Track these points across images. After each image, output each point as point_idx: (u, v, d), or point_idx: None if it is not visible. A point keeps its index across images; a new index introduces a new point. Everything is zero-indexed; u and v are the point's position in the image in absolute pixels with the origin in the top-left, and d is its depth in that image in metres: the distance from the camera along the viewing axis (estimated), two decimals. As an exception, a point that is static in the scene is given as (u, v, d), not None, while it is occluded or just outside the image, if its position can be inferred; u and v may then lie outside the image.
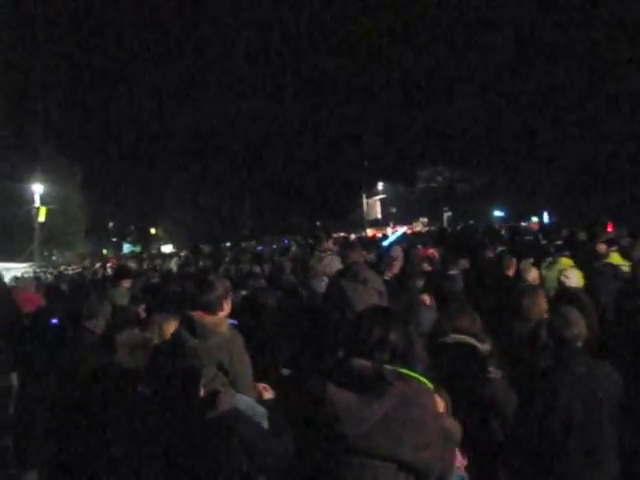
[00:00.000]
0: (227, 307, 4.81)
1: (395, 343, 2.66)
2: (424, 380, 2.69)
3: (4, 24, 52.89)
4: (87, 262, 33.76)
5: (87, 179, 54.09)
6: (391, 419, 2.49)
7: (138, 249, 61.00)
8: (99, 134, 63.75)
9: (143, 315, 7.84)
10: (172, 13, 77.90)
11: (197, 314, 4.64)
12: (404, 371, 2.64)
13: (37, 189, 42.66)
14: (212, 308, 4.67)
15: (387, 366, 2.61)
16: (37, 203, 42.17)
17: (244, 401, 4.01)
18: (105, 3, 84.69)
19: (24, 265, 33.07)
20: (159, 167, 66.43)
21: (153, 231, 72.70)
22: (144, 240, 69.33)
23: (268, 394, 4.66)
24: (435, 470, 2.60)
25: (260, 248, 28.04)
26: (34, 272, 26.78)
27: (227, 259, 21.95)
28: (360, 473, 2.50)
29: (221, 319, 4.71)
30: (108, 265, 26.85)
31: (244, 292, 8.50)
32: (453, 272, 9.38)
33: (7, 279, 22.30)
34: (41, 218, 42.07)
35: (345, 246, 9.16)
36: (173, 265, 24.25)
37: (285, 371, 5.90)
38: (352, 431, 2.48)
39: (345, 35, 71.95)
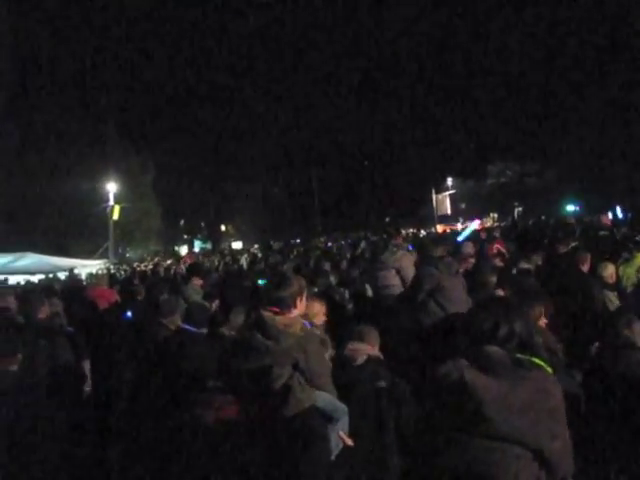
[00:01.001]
0: (301, 305, 4.72)
1: (520, 333, 2.71)
2: (549, 369, 2.77)
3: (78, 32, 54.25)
4: (160, 259, 34.31)
5: (159, 178, 54.95)
6: (530, 406, 2.52)
7: (209, 246, 61.79)
8: (172, 133, 64.69)
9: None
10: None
11: (269, 314, 4.59)
12: (534, 360, 2.75)
13: (111, 188, 43.56)
14: (285, 305, 4.61)
15: (519, 355, 2.69)
16: (111, 201, 43.04)
17: (323, 398, 3.98)
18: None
19: (99, 262, 33.79)
20: (230, 165, 67.03)
21: (223, 228, 73.47)
22: (215, 237, 70.15)
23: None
24: (563, 464, 2.61)
25: (330, 245, 28.05)
26: (108, 269, 27.34)
27: (292, 256, 22.11)
28: (499, 458, 2.53)
29: (294, 319, 4.65)
30: (182, 262, 27.22)
31: (315, 289, 8.49)
32: (526, 267, 9.22)
33: (83, 276, 22.92)
34: (115, 216, 42.89)
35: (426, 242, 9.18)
36: (243, 262, 24.47)
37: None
38: (498, 416, 2.51)
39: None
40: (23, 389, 4.46)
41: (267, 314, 4.60)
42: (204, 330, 6.67)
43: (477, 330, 2.73)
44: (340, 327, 6.76)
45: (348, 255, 17.67)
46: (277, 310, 4.62)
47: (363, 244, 22.56)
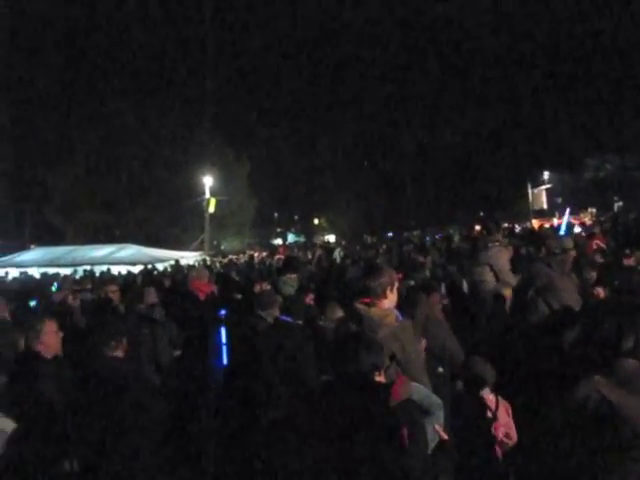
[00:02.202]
0: (392, 296, 4.71)
1: None
2: None
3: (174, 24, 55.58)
4: (254, 252, 34.77)
5: (254, 171, 55.62)
6: None
7: (302, 239, 62.22)
8: (266, 126, 65.37)
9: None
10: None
11: (363, 307, 4.60)
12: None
13: (207, 181, 44.36)
14: (375, 295, 4.61)
15: None
16: (207, 195, 43.83)
17: (419, 391, 3.94)
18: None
19: (195, 254, 34.53)
20: (323, 158, 67.28)
21: (317, 221, 73.84)
22: (308, 230, 70.59)
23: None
24: None
25: (427, 239, 27.83)
26: (204, 261, 27.92)
27: (381, 250, 22.02)
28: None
29: (388, 310, 4.64)
30: (277, 255, 27.51)
31: (412, 282, 8.47)
32: (629, 264, 8.95)
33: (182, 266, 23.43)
34: (211, 209, 43.65)
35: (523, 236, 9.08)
36: (337, 255, 24.54)
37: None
38: None
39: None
40: (128, 376, 4.59)
41: (361, 307, 4.61)
42: (300, 322, 6.75)
43: (602, 339, 2.65)
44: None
45: (442, 249, 17.55)
46: (368, 301, 4.62)
47: (457, 239, 22.35)
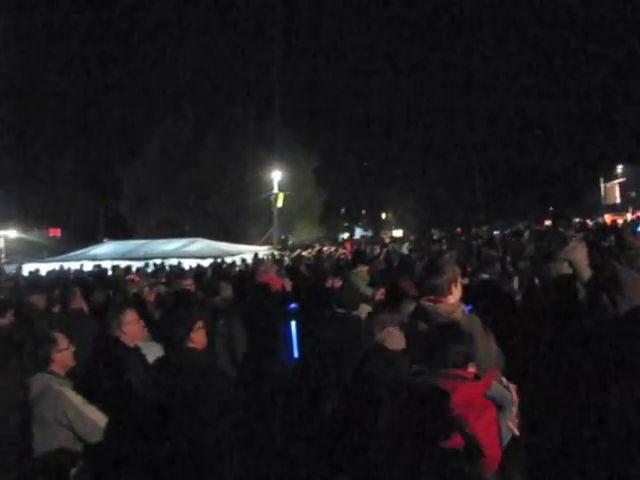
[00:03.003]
0: (457, 291, 4.72)
1: None
2: None
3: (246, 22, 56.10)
4: (322, 246, 34.85)
5: (322, 166, 55.78)
6: None
7: (370, 233, 62.17)
8: (333, 122, 65.50)
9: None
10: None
11: (430, 303, 4.61)
12: None
13: (275, 176, 44.67)
14: (441, 292, 4.62)
15: None
16: (275, 189, 44.14)
17: (493, 386, 3.92)
18: None
19: (263, 248, 34.79)
20: (389, 152, 67.11)
21: (384, 216, 73.68)
22: (375, 225, 70.49)
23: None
24: None
25: (496, 233, 27.53)
26: (272, 255, 28.14)
27: (432, 246, 21.86)
28: None
29: (455, 305, 4.65)
30: (344, 250, 27.55)
31: (485, 275, 8.38)
32: None
33: (249, 261, 23.69)
34: (279, 203, 43.99)
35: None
36: (404, 250, 24.45)
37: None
38: None
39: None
40: (206, 367, 4.68)
41: (427, 303, 4.62)
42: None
43: None
44: (507, 317, 6.64)
45: (512, 244, 17.32)
46: (433, 298, 4.63)
47: (527, 234, 22.04)
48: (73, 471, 2.71)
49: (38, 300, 9.03)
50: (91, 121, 62.66)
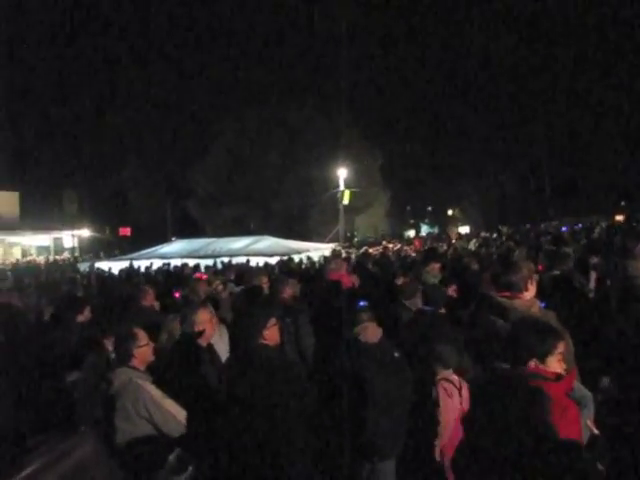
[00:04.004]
0: (532, 288, 4.74)
1: None
2: None
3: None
4: (388, 243, 34.78)
5: (387, 163, 55.63)
6: None
7: (436, 230, 61.72)
8: (399, 119, 65.22)
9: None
10: None
11: (505, 299, 4.63)
12: None
13: (341, 173, 44.71)
14: (517, 289, 4.63)
15: None
16: (341, 187, 44.19)
17: (574, 386, 3.92)
18: None
19: (330, 245, 34.87)
20: (456, 149, 66.46)
21: (450, 212, 73.05)
22: (441, 221, 69.94)
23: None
24: None
25: (564, 229, 27.07)
26: (339, 252, 28.16)
27: (500, 243, 21.56)
28: None
29: (531, 301, 4.65)
30: (411, 247, 27.47)
31: (556, 272, 8.31)
32: None
33: (315, 258, 23.82)
34: (345, 201, 44.03)
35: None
36: (472, 246, 24.27)
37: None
38: None
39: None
40: (279, 363, 4.77)
41: (503, 299, 4.63)
42: (441, 311, 6.80)
43: None
44: (581, 313, 6.59)
45: (583, 240, 17.06)
46: (508, 294, 4.64)
47: (598, 229, 21.67)
48: (171, 457, 2.84)
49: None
50: (159, 121, 63.77)
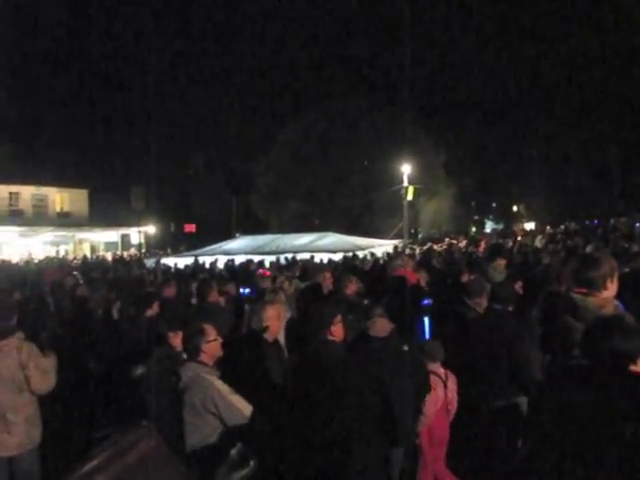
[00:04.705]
0: (612, 287, 4.53)
1: None
2: None
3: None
4: (453, 240, 34.49)
5: (451, 159, 55.12)
6: None
7: (501, 227, 60.94)
8: (463, 114, 64.54)
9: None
10: None
11: (579, 296, 4.47)
12: None
13: (405, 169, 44.44)
14: (595, 286, 4.45)
15: None
16: (405, 183, 43.94)
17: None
18: None
19: (393, 242, 34.69)
20: (522, 144, 65.41)
21: (515, 208, 72.03)
22: (507, 217, 69.00)
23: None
24: None
25: (637, 225, 26.42)
26: (403, 248, 28.03)
27: (568, 239, 21.11)
28: None
29: (606, 300, 4.47)
30: (480, 244, 27.17)
31: (626, 269, 8.09)
32: None
33: (379, 255, 23.73)
34: (409, 197, 43.80)
35: None
36: (537, 243, 23.90)
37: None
38: None
39: None
40: (346, 359, 4.75)
41: (577, 296, 4.47)
42: (510, 309, 6.67)
43: None
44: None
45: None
46: (585, 291, 4.48)
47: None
48: (233, 451, 2.84)
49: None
50: (224, 119, 64.49)
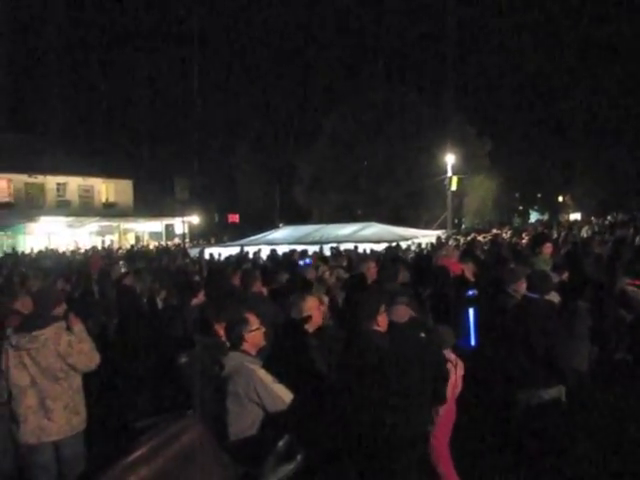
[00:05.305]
0: None
1: None
2: None
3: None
4: (497, 230, 34.18)
5: (495, 148, 54.54)
6: None
7: (545, 217, 60.23)
8: (507, 103, 63.85)
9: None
10: None
11: (633, 288, 4.40)
12: None
13: (449, 160, 44.07)
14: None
15: None
16: (449, 173, 43.59)
17: None
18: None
19: (438, 232, 34.46)
20: (568, 133, 64.47)
21: (561, 199, 71.14)
22: (552, 208, 68.18)
23: None
24: None
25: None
26: (447, 239, 27.85)
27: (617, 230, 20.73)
28: None
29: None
30: (524, 234, 26.88)
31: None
32: None
33: (423, 246, 23.64)
34: (453, 187, 43.46)
35: None
36: (584, 233, 23.60)
37: None
38: None
39: None
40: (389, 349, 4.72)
41: (630, 288, 4.41)
42: (549, 298, 6.55)
43: None
44: None
45: None
46: (638, 283, 4.41)
47: None
48: (280, 443, 2.82)
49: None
50: (268, 108, 64.70)
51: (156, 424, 2.29)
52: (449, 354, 5.76)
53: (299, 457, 3.01)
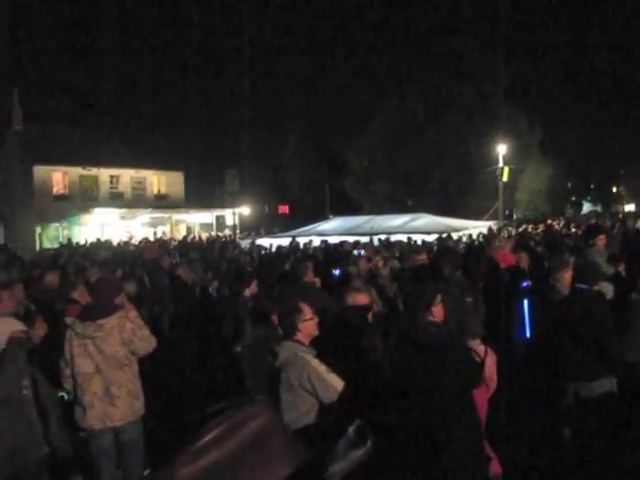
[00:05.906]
0: None
1: None
2: None
3: None
4: (549, 221, 33.74)
5: (547, 138, 53.74)
6: None
7: (599, 209, 59.20)
8: (560, 92, 62.87)
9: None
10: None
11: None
12: None
13: (500, 150, 43.55)
14: None
15: None
16: (500, 163, 43.10)
17: None
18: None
19: (489, 223, 34.12)
20: (620, 122, 63.15)
21: (614, 189, 69.82)
22: (605, 199, 66.96)
23: None
24: None
25: None
26: (498, 230, 27.56)
27: None
28: None
29: None
30: (576, 225, 26.51)
31: None
32: None
33: (474, 237, 23.44)
34: (504, 178, 42.99)
35: None
36: (639, 225, 23.18)
37: None
38: None
39: None
40: (445, 340, 4.70)
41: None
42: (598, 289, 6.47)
43: None
44: None
45: None
46: None
47: None
48: (350, 428, 2.85)
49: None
50: (319, 100, 64.88)
51: (225, 410, 2.32)
52: (478, 346, 5.47)
53: (369, 443, 3.03)
